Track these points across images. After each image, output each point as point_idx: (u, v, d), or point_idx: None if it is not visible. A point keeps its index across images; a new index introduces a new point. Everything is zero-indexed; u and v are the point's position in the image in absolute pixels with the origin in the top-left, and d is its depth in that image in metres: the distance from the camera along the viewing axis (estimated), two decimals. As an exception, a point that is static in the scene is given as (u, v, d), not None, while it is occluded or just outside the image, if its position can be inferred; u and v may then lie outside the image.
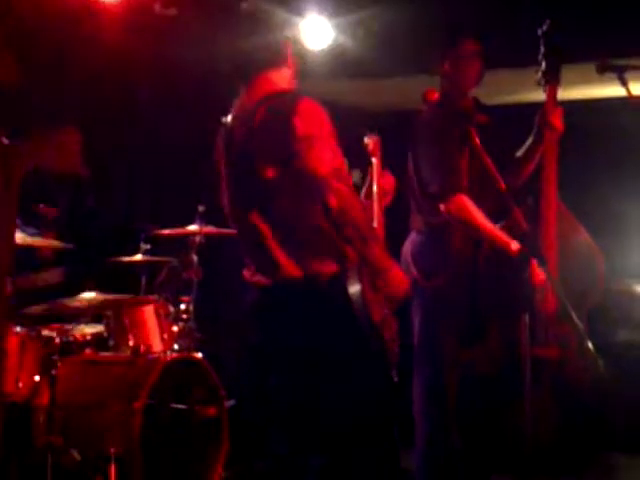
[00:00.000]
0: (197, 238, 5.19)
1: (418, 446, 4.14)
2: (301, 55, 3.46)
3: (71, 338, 4.51)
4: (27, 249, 4.64)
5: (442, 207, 3.99)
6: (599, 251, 4.00)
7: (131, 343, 4.71)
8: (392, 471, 3.46)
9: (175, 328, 4.92)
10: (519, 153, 4.18)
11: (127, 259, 5.07)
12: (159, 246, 5.23)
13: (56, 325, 4.51)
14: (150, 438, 4.31)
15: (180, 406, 4.57)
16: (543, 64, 4.04)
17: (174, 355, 4.67)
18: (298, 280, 3.21)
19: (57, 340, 4.31)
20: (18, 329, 4.35)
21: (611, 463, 4.57)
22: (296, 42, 3.43)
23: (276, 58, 3.36)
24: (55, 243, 4.87)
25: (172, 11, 5.31)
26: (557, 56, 4.01)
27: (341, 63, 5.81)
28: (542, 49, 4.04)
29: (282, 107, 3.21)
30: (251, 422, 5.16)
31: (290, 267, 3.21)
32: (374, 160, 4.07)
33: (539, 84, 4.06)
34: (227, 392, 4.73)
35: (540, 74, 4.05)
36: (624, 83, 3.29)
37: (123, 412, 4.25)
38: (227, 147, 3.38)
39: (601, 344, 3.33)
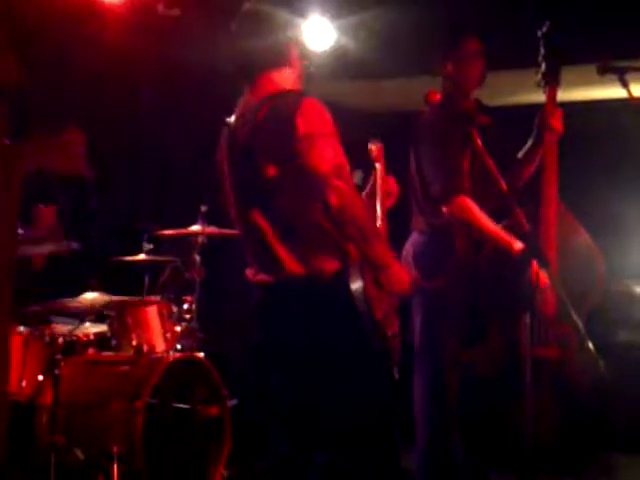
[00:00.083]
0: (200, 238, 5.20)
1: (418, 446, 4.14)
2: (306, 57, 3.46)
3: (74, 338, 4.52)
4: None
5: (444, 209, 4.00)
6: (599, 252, 4.00)
7: (134, 343, 4.72)
8: (392, 471, 3.47)
9: (178, 328, 4.94)
10: (519, 154, 4.19)
11: (130, 259, 5.09)
12: (162, 246, 5.25)
13: (59, 325, 4.53)
14: (152, 437, 4.32)
15: (182, 405, 4.58)
16: (543, 65, 4.03)
17: (177, 355, 4.68)
18: (300, 278, 3.22)
19: (60, 340, 4.32)
20: (21, 329, 4.37)
21: (611, 463, 4.56)
22: (299, 43, 3.43)
23: (278, 59, 3.37)
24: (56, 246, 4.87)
25: (175, 12, 5.31)
26: (557, 57, 4.01)
27: (343, 64, 5.81)
28: (542, 50, 4.04)
29: (285, 106, 3.22)
30: (253, 422, 5.16)
31: (292, 265, 3.22)
32: (377, 165, 4.10)
33: (539, 85, 4.06)
34: (229, 392, 4.74)
35: (540, 75, 4.05)
36: (625, 85, 3.28)
37: (126, 411, 4.26)
38: (230, 146, 3.39)
39: (601, 345, 3.34)
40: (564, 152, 4.01)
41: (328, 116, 3.22)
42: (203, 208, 5.11)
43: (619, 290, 5.87)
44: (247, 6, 3.46)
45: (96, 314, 4.78)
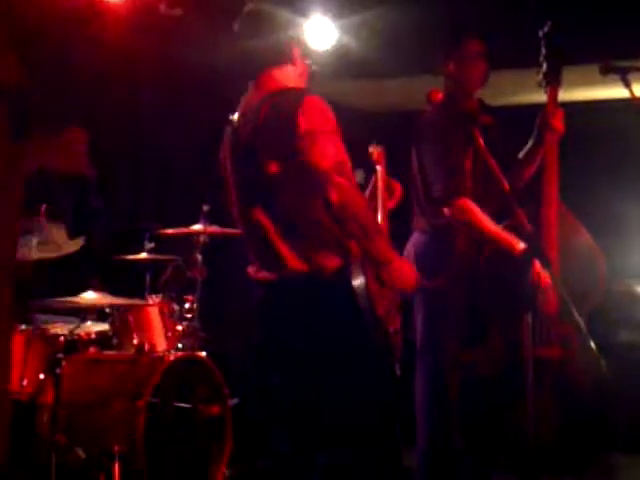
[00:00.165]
0: (201, 237, 5.20)
1: (419, 445, 4.15)
2: (309, 56, 3.46)
3: (76, 336, 4.51)
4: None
5: (445, 210, 4.00)
6: (600, 252, 4.00)
7: (135, 342, 4.73)
8: (394, 470, 3.47)
9: (179, 327, 4.94)
10: (520, 154, 4.19)
11: (132, 258, 5.09)
12: (164, 245, 5.25)
13: (60, 323, 4.53)
14: (154, 436, 4.32)
15: (184, 405, 4.59)
16: (544, 65, 4.04)
17: (178, 354, 4.68)
18: (302, 275, 3.22)
19: (62, 338, 4.33)
20: (23, 327, 4.37)
21: (613, 463, 4.56)
22: (300, 42, 3.44)
23: (280, 57, 3.38)
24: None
25: (177, 11, 5.31)
26: (558, 57, 4.02)
27: (345, 64, 5.81)
28: (543, 50, 4.04)
29: (287, 103, 3.23)
30: (255, 421, 5.17)
31: (294, 262, 3.23)
32: (378, 168, 4.13)
33: (540, 85, 4.06)
34: (231, 391, 4.75)
35: (541, 75, 4.05)
36: (627, 85, 3.29)
37: (127, 410, 4.26)
38: (233, 144, 3.40)
39: (602, 345, 3.35)
40: (565, 152, 4.01)
41: (330, 114, 3.23)
42: (205, 207, 5.12)
43: (620, 290, 5.87)
44: (249, 6, 3.47)
45: (97, 313, 4.79)
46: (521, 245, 3.78)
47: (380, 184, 4.13)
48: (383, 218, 4.09)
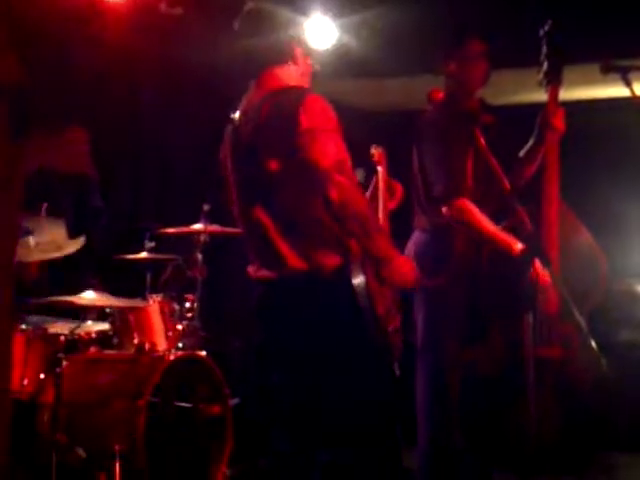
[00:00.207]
0: (202, 237, 5.20)
1: (420, 445, 4.15)
2: (311, 55, 3.46)
3: (76, 336, 4.51)
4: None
5: (444, 210, 4.00)
6: (601, 251, 4.00)
7: (136, 341, 4.73)
8: (394, 470, 3.47)
9: (179, 326, 4.94)
10: (521, 154, 4.19)
11: (132, 257, 5.09)
12: (164, 244, 5.25)
13: (61, 323, 4.53)
14: (154, 436, 4.33)
15: (184, 404, 4.59)
16: (545, 64, 4.03)
17: (178, 353, 4.69)
18: (302, 273, 3.22)
19: (62, 338, 4.33)
20: (23, 327, 4.37)
21: (613, 463, 4.56)
22: (302, 41, 3.44)
23: (281, 56, 3.38)
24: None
25: (177, 11, 5.31)
26: (559, 56, 4.01)
27: (345, 63, 5.81)
28: (544, 49, 4.04)
29: (288, 102, 3.23)
30: (255, 420, 5.17)
31: (294, 260, 3.23)
32: (379, 169, 4.13)
33: (541, 84, 4.06)
34: (231, 390, 4.75)
35: (542, 74, 4.05)
36: (628, 83, 3.28)
37: (128, 410, 4.27)
38: (234, 143, 3.40)
39: (603, 344, 3.35)
40: (566, 151, 4.01)
41: (331, 112, 3.23)
42: (205, 207, 5.12)
43: (621, 289, 5.87)
44: (249, 5, 3.47)
45: (98, 312, 4.79)
46: (519, 245, 3.79)
47: (381, 185, 4.14)
48: (384, 219, 4.09)
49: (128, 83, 6.00)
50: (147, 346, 4.65)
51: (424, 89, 3.92)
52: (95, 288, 4.45)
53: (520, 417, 3.44)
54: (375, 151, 4.20)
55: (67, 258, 4.82)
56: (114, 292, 4.54)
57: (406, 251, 4.18)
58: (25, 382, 4.29)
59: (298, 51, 3.40)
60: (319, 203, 3.16)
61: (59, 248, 4.60)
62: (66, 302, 4.36)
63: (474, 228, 3.97)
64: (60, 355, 4.22)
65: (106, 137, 5.70)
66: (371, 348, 3.25)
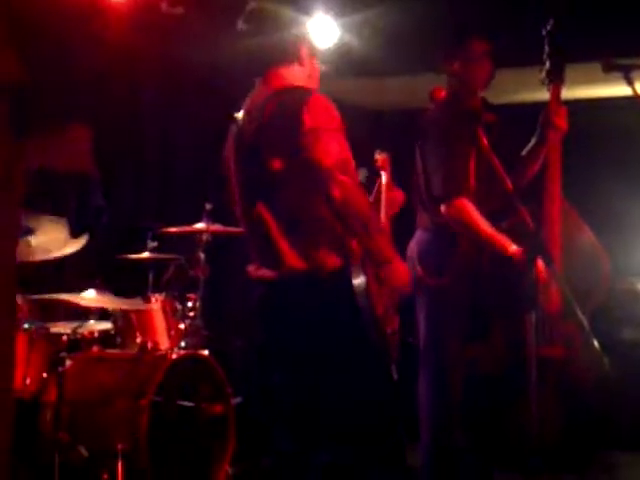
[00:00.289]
0: (204, 236, 5.21)
1: (423, 443, 4.15)
2: (316, 55, 3.46)
3: (78, 335, 4.52)
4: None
5: (442, 209, 4.00)
6: (603, 250, 4.00)
7: (138, 340, 4.74)
8: (396, 469, 3.47)
9: (182, 325, 4.95)
10: (523, 153, 4.19)
11: (134, 257, 5.09)
12: (166, 244, 5.26)
13: (63, 322, 4.53)
14: (157, 435, 4.33)
15: (187, 403, 4.58)
16: (547, 63, 4.03)
17: (181, 352, 4.69)
18: (301, 273, 3.22)
19: (65, 337, 4.33)
20: (26, 326, 4.37)
21: (615, 462, 4.57)
22: (306, 41, 3.43)
23: (285, 56, 3.38)
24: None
25: (178, 10, 5.31)
26: (561, 55, 4.01)
27: (347, 62, 5.81)
28: (546, 48, 4.03)
29: (291, 101, 3.23)
30: (258, 419, 5.17)
31: (293, 260, 3.23)
32: (383, 174, 4.14)
33: (543, 83, 4.05)
34: (234, 389, 4.75)
35: (544, 73, 4.04)
36: (630, 82, 3.29)
37: (130, 409, 4.27)
38: (237, 143, 3.40)
39: (605, 343, 3.34)
40: (568, 150, 4.01)
41: (335, 112, 3.23)
42: (208, 206, 5.12)
43: (623, 288, 5.86)
44: (252, 4, 3.47)
45: (100, 312, 4.79)
46: (513, 247, 3.79)
47: (384, 190, 4.15)
48: (386, 224, 4.10)
49: (129, 82, 6.00)
50: (149, 345, 4.66)
51: (426, 88, 3.92)
52: (97, 288, 4.45)
53: (522, 416, 3.44)
54: (379, 156, 4.22)
55: (69, 257, 4.82)
56: (116, 291, 4.54)
57: (409, 250, 4.18)
58: (28, 381, 4.29)
59: (304, 51, 3.40)
60: (322, 202, 3.16)
61: (61, 247, 4.61)
62: (68, 301, 4.36)
63: (470, 228, 3.97)
64: (63, 354, 4.23)
65: (108, 136, 5.70)
66: (370, 348, 3.25)
